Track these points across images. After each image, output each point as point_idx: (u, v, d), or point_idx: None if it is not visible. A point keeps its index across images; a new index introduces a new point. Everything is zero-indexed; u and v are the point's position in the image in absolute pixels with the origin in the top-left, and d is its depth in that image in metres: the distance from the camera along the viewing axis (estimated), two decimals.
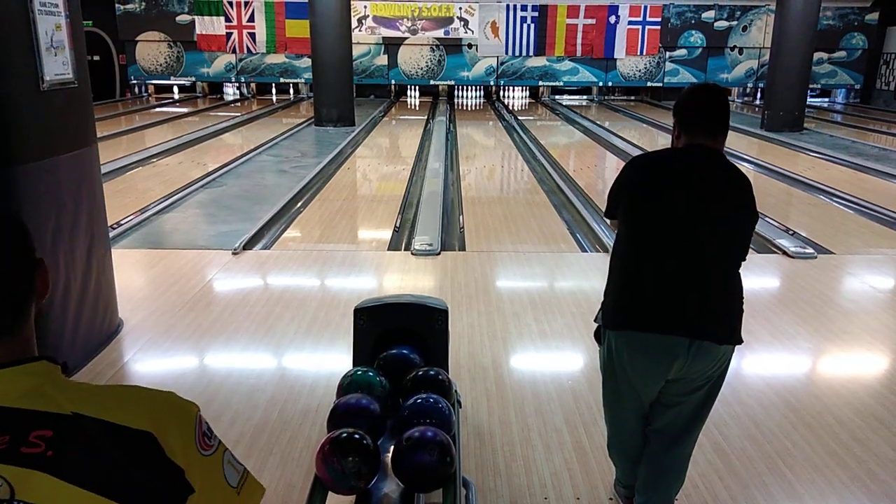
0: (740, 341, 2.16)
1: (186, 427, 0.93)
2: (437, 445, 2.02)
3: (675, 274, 2.08)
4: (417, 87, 19.08)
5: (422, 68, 18.53)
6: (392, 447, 2.11)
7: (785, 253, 5.70)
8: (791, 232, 6.39)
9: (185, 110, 15.84)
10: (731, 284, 2.14)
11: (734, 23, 18.29)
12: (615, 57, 18.28)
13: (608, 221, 2.37)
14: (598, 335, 2.33)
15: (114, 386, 0.96)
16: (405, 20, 17.84)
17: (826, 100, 19.14)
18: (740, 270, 2.17)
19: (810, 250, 5.72)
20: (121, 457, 0.86)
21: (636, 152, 10.69)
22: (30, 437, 0.84)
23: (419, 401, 2.28)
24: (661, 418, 2.28)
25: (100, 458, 0.85)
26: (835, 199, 7.91)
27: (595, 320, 2.34)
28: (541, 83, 18.81)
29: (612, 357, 2.24)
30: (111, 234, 5.64)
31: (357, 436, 2.04)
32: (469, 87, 18.95)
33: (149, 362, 3.73)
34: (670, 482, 2.35)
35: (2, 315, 0.90)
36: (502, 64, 18.50)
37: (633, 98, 19.72)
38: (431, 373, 2.57)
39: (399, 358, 2.61)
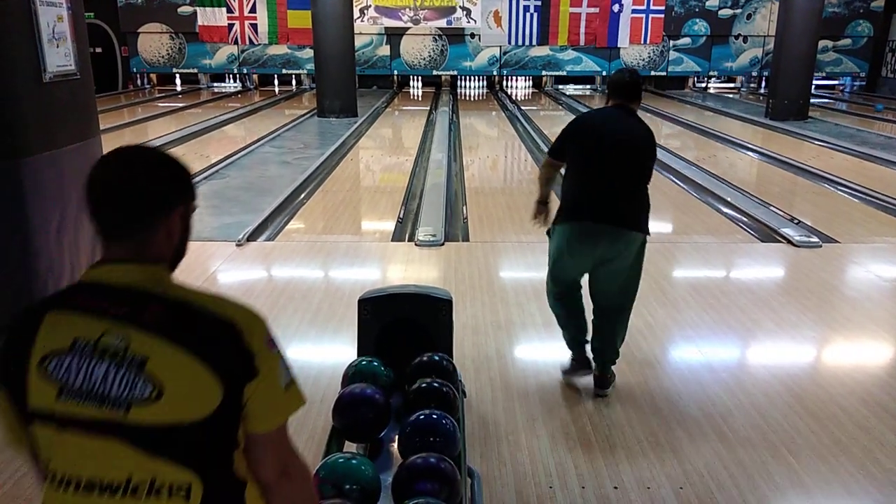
0: (645, 232, 3.16)
1: (260, 328, 1.19)
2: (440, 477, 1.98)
3: (599, 187, 3.09)
4: (420, 78, 19.00)
5: (424, 58, 18.46)
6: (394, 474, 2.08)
7: (790, 242, 5.68)
8: (796, 221, 6.37)
9: (187, 102, 15.82)
10: (638, 195, 3.15)
11: (738, 11, 18.17)
12: (619, 46, 18.17)
13: (548, 160, 3.34)
14: (549, 233, 3.30)
15: (209, 291, 1.22)
16: (407, 10, 17.76)
17: (832, 93, 18.99)
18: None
19: (815, 239, 5.71)
20: (210, 334, 1.14)
21: None
22: (146, 309, 1.13)
23: (422, 417, 2.23)
24: (598, 294, 3.26)
25: (196, 332, 1.13)
26: (840, 187, 7.87)
27: (536, 212, 3.43)
28: (544, 73, 18.73)
29: (560, 242, 3.19)
30: None
31: None
32: (472, 77, 18.87)
33: None
34: (615, 333, 3.28)
35: (131, 222, 1.17)
36: (505, 53, 18.42)
37: None
38: (436, 358, 2.57)
39: (432, 364, 2.59)
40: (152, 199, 1.18)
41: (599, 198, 3.07)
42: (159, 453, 1.12)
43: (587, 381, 3.46)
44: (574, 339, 3.41)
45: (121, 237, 1.18)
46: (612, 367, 3.32)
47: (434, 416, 2.21)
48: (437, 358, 2.56)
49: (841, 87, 19.04)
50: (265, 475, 1.23)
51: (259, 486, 1.23)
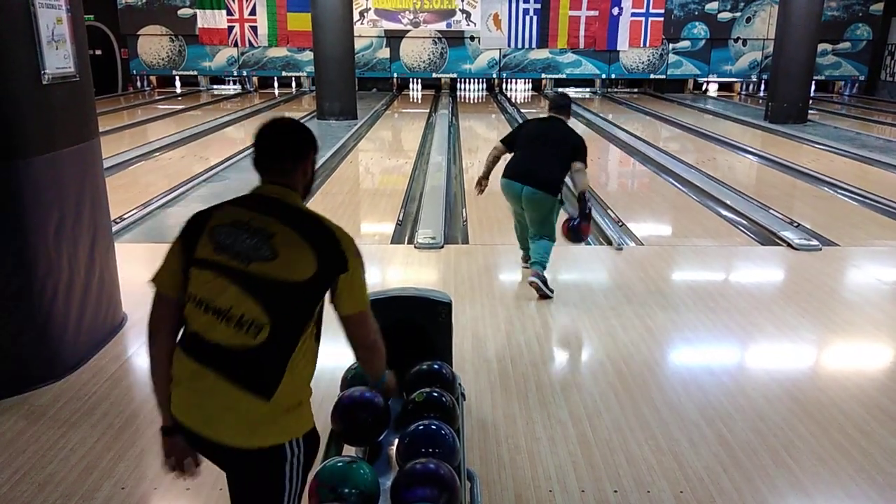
0: (554, 194, 4.50)
1: (350, 241, 1.77)
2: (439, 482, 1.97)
3: (526, 156, 4.58)
4: (420, 80, 19.00)
5: (424, 61, 18.47)
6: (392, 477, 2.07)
7: (789, 245, 5.68)
8: (795, 224, 6.37)
9: (187, 104, 15.82)
10: (552, 169, 4.50)
11: (738, 14, 18.19)
12: (618, 49, 18.19)
13: (498, 145, 4.84)
14: (480, 187, 4.99)
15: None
16: (407, 13, 17.77)
17: (828, 95, 19.00)
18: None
19: (815, 242, 5.70)
20: (317, 231, 1.74)
21: (639, 145, 10.68)
22: (282, 209, 1.76)
23: (421, 427, 2.22)
24: (530, 224, 4.66)
25: (309, 227, 1.74)
26: (839, 190, 7.87)
27: (477, 184, 4.98)
28: (543, 76, 18.74)
29: (502, 189, 4.65)
30: (114, 229, 5.63)
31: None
32: (471, 80, 18.88)
33: None
34: (541, 248, 4.59)
35: (282, 163, 1.81)
36: (505, 56, 18.43)
37: (636, 90, 19.64)
38: (435, 367, 2.56)
39: (431, 373, 2.57)
40: (295, 151, 1.83)
41: (525, 167, 4.54)
42: (255, 297, 1.66)
43: (589, 384, 3.46)
44: (524, 248, 4.97)
45: (275, 174, 1.82)
46: (538, 268, 4.61)
47: (433, 427, 2.19)
48: (436, 367, 2.55)
49: (840, 90, 19.07)
50: (363, 342, 1.92)
51: (359, 351, 1.95)
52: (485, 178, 4.89)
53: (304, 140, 1.85)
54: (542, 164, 4.47)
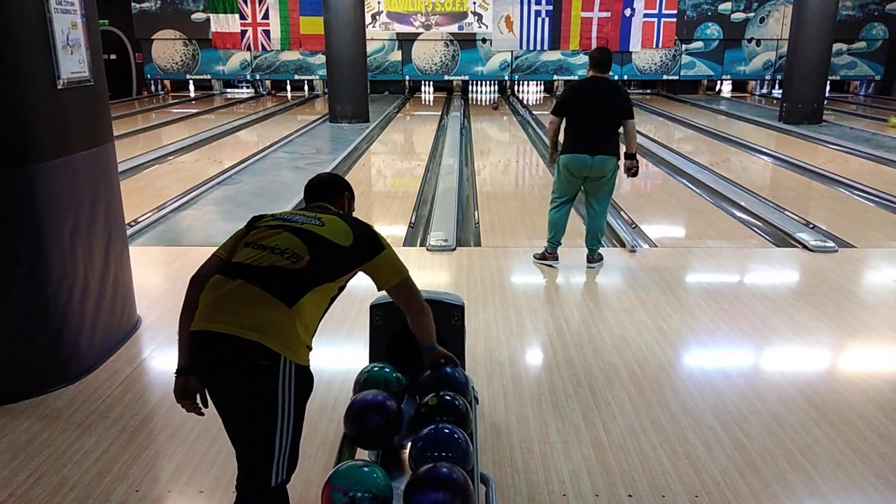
0: (617, 156, 4.92)
1: (381, 236, 2.25)
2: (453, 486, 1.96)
3: (589, 131, 4.86)
4: (431, 83, 19.03)
5: (436, 64, 18.48)
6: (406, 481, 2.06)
7: (805, 247, 5.62)
8: (811, 225, 6.31)
9: (200, 108, 15.92)
10: (613, 136, 4.91)
11: (751, 14, 18.07)
12: (630, 50, 18.13)
13: (550, 117, 5.06)
14: (554, 160, 5.15)
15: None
16: (419, 15, 17.80)
17: (843, 95, 18.84)
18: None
19: (831, 244, 5.64)
20: (355, 221, 2.24)
21: (652, 146, 10.63)
22: (329, 210, 2.31)
23: (435, 431, 2.21)
24: (590, 196, 5.06)
25: (346, 216, 2.28)
26: (855, 191, 7.80)
27: (552, 160, 5.21)
28: (556, 77, 18.70)
29: (562, 168, 4.97)
30: (128, 232, 5.67)
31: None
32: (483, 82, 18.88)
33: (167, 359, 3.75)
34: (597, 229, 5.11)
35: (329, 198, 2.40)
36: (517, 58, 18.42)
37: (648, 91, 19.56)
38: (448, 370, 2.55)
39: (444, 376, 2.56)
40: (332, 190, 2.44)
41: (587, 138, 4.85)
42: (301, 239, 2.07)
43: (603, 387, 3.44)
44: (553, 240, 5.13)
45: (319, 202, 2.38)
46: (599, 251, 5.18)
47: (446, 431, 2.18)
48: (448, 370, 2.54)
49: (855, 90, 18.90)
50: (412, 308, 2.35)
51: (410, 316, 2.37)
52: (555, 150, 5.14)
53: (337, 185, 2.46)
54: (603, 134, 4.86)
